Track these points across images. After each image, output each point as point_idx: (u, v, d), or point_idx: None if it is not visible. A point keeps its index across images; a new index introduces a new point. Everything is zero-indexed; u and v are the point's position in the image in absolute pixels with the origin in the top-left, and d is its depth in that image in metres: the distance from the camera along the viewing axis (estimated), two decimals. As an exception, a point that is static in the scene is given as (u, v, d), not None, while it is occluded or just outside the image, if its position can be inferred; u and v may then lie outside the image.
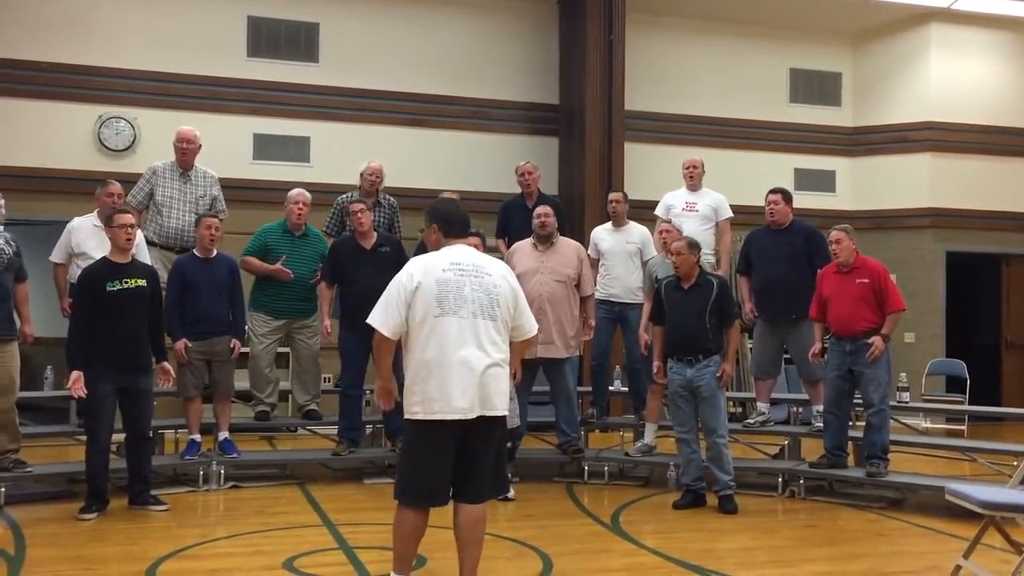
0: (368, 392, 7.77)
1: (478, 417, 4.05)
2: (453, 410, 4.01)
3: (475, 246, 6.36)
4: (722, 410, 6.52)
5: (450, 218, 4.31)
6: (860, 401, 6.81)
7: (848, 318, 6.60)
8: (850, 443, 7.07)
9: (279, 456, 8.38)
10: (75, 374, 5.82)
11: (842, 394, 6.74)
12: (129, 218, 6.17)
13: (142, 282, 6.09)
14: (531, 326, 4.37)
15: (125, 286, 6.00)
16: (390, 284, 4.15)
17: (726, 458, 6.50)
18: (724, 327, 6.50)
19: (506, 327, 4.20)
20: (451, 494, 4.18)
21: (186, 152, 7.55)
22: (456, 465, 4.14)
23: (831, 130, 12.45)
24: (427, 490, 4.10)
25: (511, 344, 4.29)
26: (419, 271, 4.10)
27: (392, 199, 8.19)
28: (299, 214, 7.56)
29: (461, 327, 4.04)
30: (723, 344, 6.49)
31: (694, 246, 6.60)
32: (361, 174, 8.05)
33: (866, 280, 6.60)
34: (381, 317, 4.10)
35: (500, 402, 4.12)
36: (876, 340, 6.49)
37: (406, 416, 4.15)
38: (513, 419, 6.69)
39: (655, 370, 6.77)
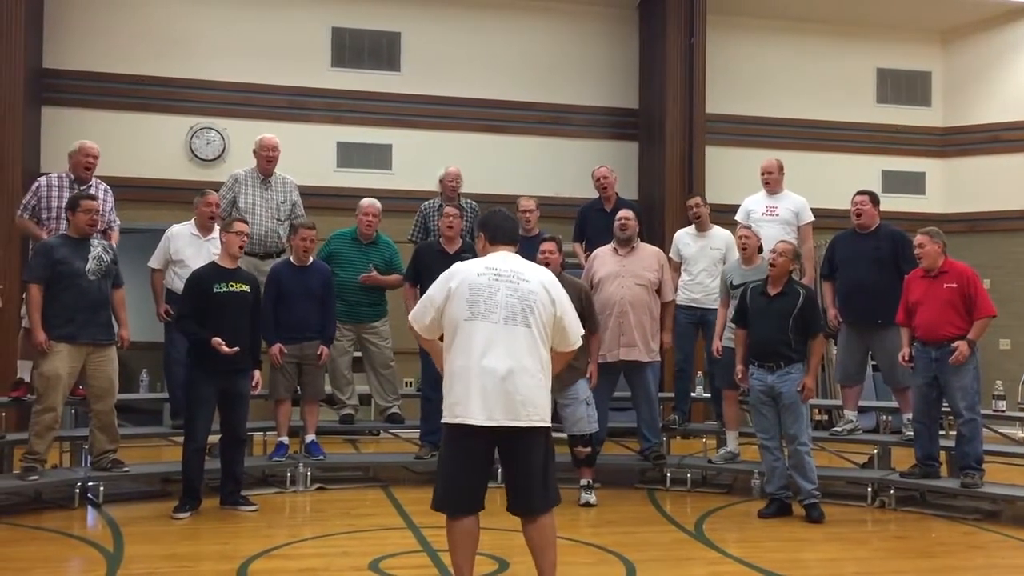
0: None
1: (508, 428, 3.96)
2: (471, 416, 3.95)
3: (550, 251, 6.48)
4: (804, 417, 6.40)
5: (494, 228, 4.28)
6: (950, 409, 6.61)
7: (935, 323, 6.40)
8: (943, 453, 6.86)
9: (363, 459, 8.52)
10: (215, 340, 6.03)
11: (929, 403, 6.54)
12: (246, 227, 6.46)
13: (246, 288, 6.33)
14: (573, 339, 4.21)
15: (231, 289, 6.23)
16: (431, 286, 4.18)
17: (809, 466, 6.38)
18: (807, 338, 6.38)
19: (544, 335, 4.08)
20: (508, 507, 4.14)
21: (270, 160, 7.72)
22: (505, 477, 4.15)
23: (920, 131, 12.11)
24: (452, 497, 4.05)
25: (584, 349, 4.22)
26: (455, 275, 4.10)
27: (474, 203, 8.26)
28: (368, 224, 7.70)
29: (490, 332, 3.97)
30: (805, 354, 6.38)
31: (797, 255, 6.56)
32: (441, 180, 8.15)
33: (954, 284, 6.39)
34: (416, 314, 4.16)
35: (528, 412, 3.96)
36: (960, 344, 6.28)
37: (442, 419, 4.15)
38: (591, 424, 6.69)
39: (738, 374, 6.68)
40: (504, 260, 4.15)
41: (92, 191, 6.92)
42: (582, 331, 4.29)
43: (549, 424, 4.12)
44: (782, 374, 6.33)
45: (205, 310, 6.15)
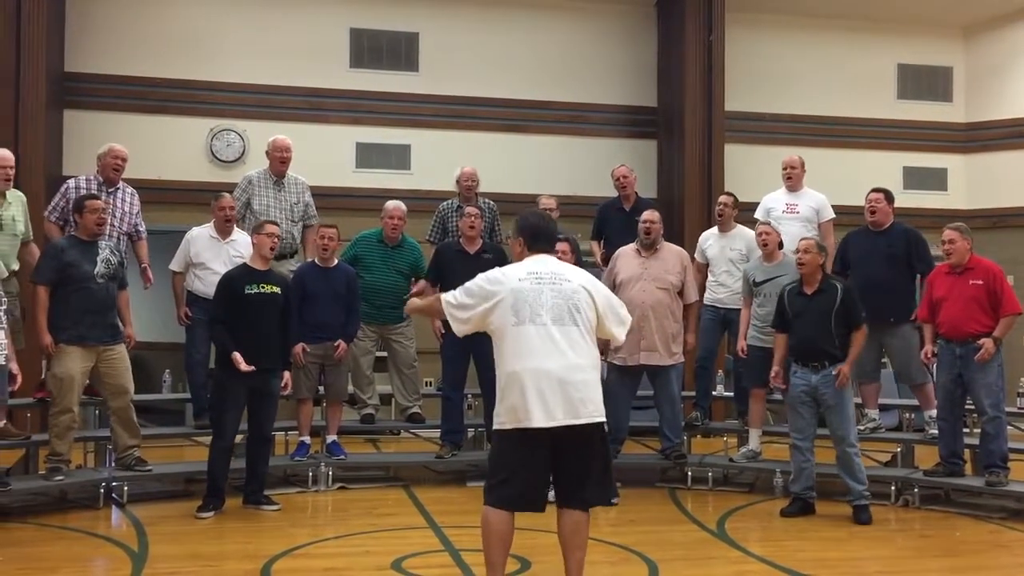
0: (469, 395, 7.86)
1: (568, 426, 3.99)
2: (533, 419, 3.96)
3: (564, 252, 6.46)
4: (850, 418, 6.31)
5: (535, 232, 4.29)
6: (974, 407, 6.56)
7: (960, 320, 6.35)
8: (967, 451, 6.81)
9: (384, 458, 8.54)
10: (235, 355, 6.10)
11: (954, 400, 6.50)
12: (276, 229, 6.51)
13: (277, 289, 6.38)
14: (617, 336, 4.32)
15: (262, 290, 6.28)
16: (476, 279, 4.18)
17: (858, 467, 6.30)
18: (851, 332, 6.28)
19: (591, 332, 4.14)
20: (556, 500, 4.17)
21: (284, 161, 7.72)
22: (558, 474, 4.14)
23: (942, 126, 12.02)
24: (517, 497, 4.07)
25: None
26: (497, 283, 4.11)
27: (492, 203, 8.26)
28: (394, 227, 7.68)
29: (540, 335, 4.01)
30: (848, 351, 6.29)
31: (822, 247, 6.46)
32: (457, 180, 8.14)
33: (980, 281, 6.34)
34: (451, 312, 4.15)
35: (588, 409, 4.02)
36: (986, 342, 6.23)
37: (494, 426, 4.19)
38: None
39: (773, 375, 6.62)
40: (544, 264, 4.20)
41: (120, 194, 6.99)
42: (623, 310, 4.33)
43: (605, 419, 4.16)
44: (826, 374, 6.24)
45: (237, 311, 6.20)
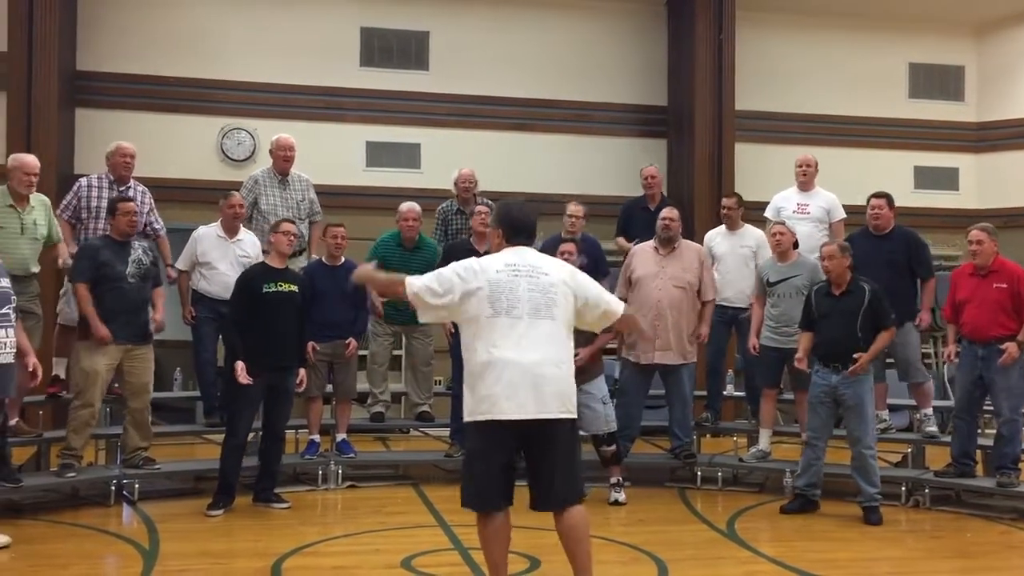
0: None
1: (536, 420, 3.94)
2: (500, 411, 3.92)
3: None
4: (869, 420, 6.29)
5: (515, 225, 4.20)
6: (991, 408, 6.54)
7: (983, 323, 6.33)
8: (979, 451, 6.78)
9: (393, 457, 8.55)
10: (239, 365, 6.13)
11: (973, 401, 6.49)
12: (293, 227, 6.58)
13: (294, 288, 6.42)
14: (614, 308, 4.25)
15: (280, 289, 6.31)
16: (450, 267, 4.12)
17: (872, 469, 6.27)
18: (878, 334, 6.25)
19: (568, 327, 4.09)
20: (532, 504, 4.10)
21: (287, 159, 7.75)
22: (529, 472, 4.09)
23: (954, 126, 11.96)
24: (481, 493, 4.02)
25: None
26: (474, 274, 4.04)
27: (489, 203, 8.25)
28: (410, 228, 7.68)
29: (514, 327, 3.96)
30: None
31: (845, 249, 6.39)
32: (455, 182, 8.14)
33: (1004, 284, 6.30)
34: (421, 292, 4.05)
35: (557, 404, 3.97)
36: (1010, 346, 6.20)
37: (464, 418, 4.11)
38: (609, 423, 6.63)
39: (796, 360, 6.53)
40: (521, 255, 4.14)
41: (131, 192, 7.03)
42: (614, 298, 4.31)
43: (575, 415, 4.12)
44: (846, 377, 6.22)
45: (254, 310, 6.23)
